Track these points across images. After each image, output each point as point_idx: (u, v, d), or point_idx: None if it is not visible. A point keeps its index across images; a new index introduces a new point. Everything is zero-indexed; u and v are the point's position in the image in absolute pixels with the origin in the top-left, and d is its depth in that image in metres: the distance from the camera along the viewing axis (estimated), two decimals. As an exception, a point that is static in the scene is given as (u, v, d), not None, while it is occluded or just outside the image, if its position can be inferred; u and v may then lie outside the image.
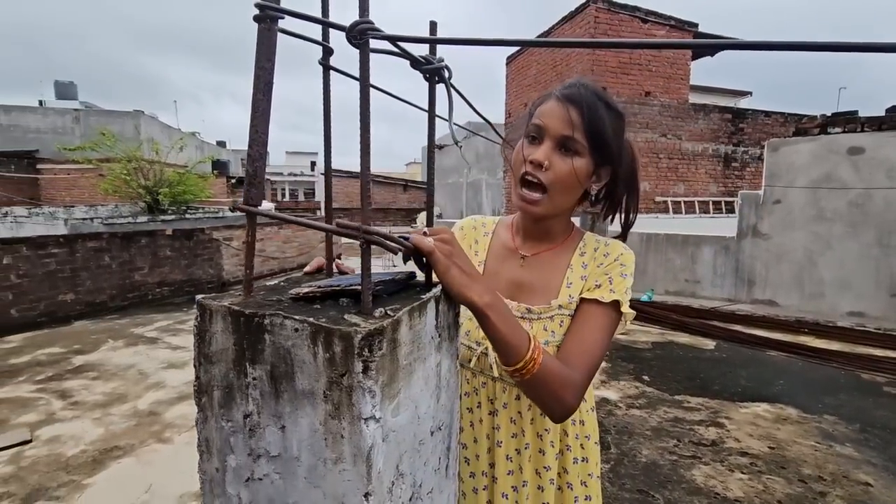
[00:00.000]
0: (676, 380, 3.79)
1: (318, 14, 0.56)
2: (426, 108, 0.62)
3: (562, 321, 0.83)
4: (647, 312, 5.74)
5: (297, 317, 0.46)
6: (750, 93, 20.02)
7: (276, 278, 0.66)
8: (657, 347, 4.64)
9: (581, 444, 0.89)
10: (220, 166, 18.00)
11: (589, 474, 0.90)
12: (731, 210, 11.54)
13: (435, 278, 0.60)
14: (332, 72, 0.63)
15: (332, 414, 0.44)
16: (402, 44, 0.52)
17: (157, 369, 3.91)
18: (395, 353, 0.46)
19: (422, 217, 18.08)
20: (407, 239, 0.57)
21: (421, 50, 0.59)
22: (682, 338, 4.96)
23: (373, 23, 0.45)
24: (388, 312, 0.47)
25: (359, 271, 0.52)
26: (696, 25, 10.87)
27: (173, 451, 2.65)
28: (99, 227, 7.69)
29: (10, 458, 2.56)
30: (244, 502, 0.51)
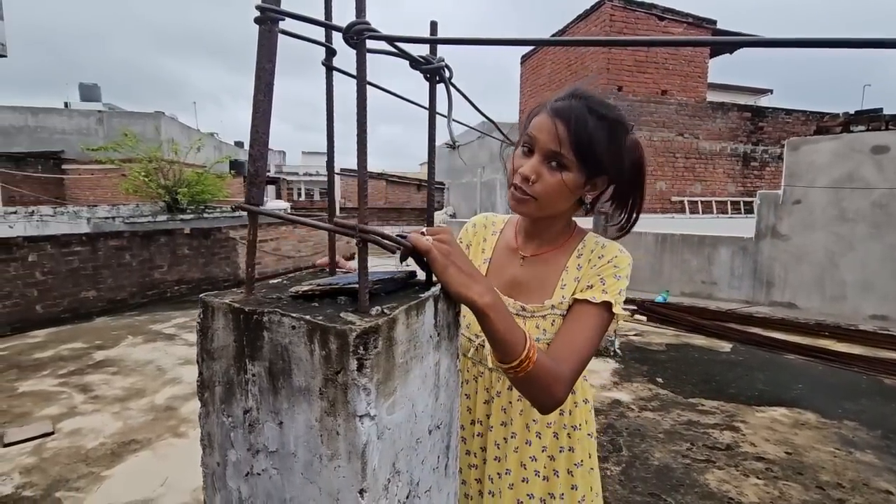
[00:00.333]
0: (691, 382, 3.73)
1: (321, 15, 0.57)
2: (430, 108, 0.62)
3: (553, 320, 0.86)
4: (661, 314, 5.67)
5: (294, 314, 0.46)
6: (770, 90, 19.60)
7: (279, 277, 0.67)
8: (672, 349, 4.58)
9: (567, 434, 0.92)
10: (237, 166, 18.26)
11: (575, 464, 0.92)
12: (749, 210, 11.32)
13: (435, 277, 0.60)
14: (338, 73, 0.64)
15: (328, 411, 0.45)
16: (401, 44, 0.53)
17: (174, 365, 3.99)
18: (390, 352, 0.47)
19: (438, 216, 18.11)
20: (405, 238, 0.57)
21: (423, 50, 0.59)
22: (698, 340, 4.88)
23: (369, 23, 0.46)
24: (385, 311, 0.48)
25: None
26: (714, 22, 10.69)
27: (188, 446, 2.70)
28: (120, 226, 7.87)
29: (34, 449, 2.64)
30: (244, 496, 0.52)
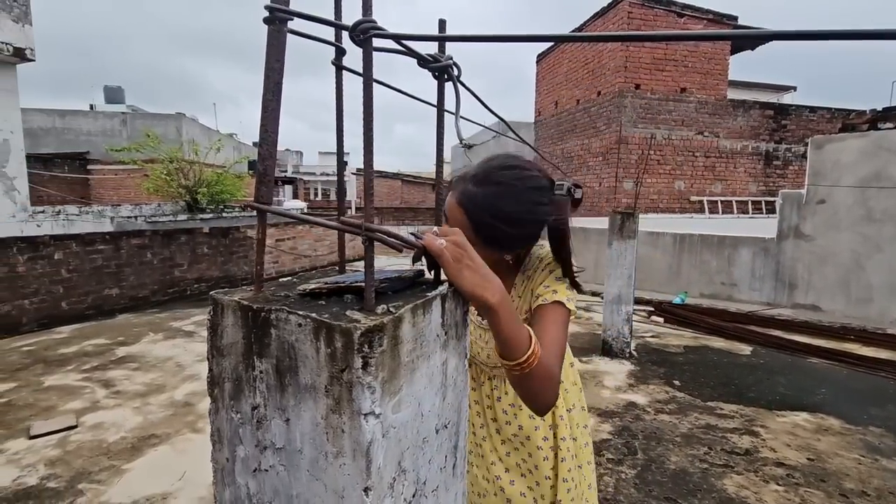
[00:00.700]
0: (709, 385, 3.66)
1: (330, 14, 0.57)
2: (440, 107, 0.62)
3: None
4: (679, 315, 5.58)
5: (300, 312, 0.47)
6: (794, 87, 19.12)
7: (292, 275, 0.67)
8: (690, 351, 4.50)
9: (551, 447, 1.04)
10: (255, 166, 18.54)
11: (538, 447, 1.03)
12: (771, 210, 11.06)
13: (443, 277, 0.60)
14: (351, 72, 0.64)
15: (333, 408, 0.45)
16: (408, 42, 0.53)
17: (193, 362, 4.06)
18: (396, 350, 0.47)
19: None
20: (419, 238, 0.57)
21: (432, 48, 0.59)
22: (717, 342, 4.79)
23: (375, 21, 0.46)
24: (391, 309, 0.48)
25: (378, 269, 0.53)
26: (735, 18, 10.48)
27: (205, 441, 2.75)
28: (142, 225, 8.05)
29: (58, 441, 2.72)
30: (252, 492, 0.53)
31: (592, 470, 1.12)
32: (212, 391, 0.55)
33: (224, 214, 9.45)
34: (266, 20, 0.52)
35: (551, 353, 0.79)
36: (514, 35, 0.50)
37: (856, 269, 5.39)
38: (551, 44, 13.17)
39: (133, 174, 12.90)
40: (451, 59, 0.58)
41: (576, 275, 0.94)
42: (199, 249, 6.79)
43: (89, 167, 15.44)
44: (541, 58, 13.78)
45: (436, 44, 0.59)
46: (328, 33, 0.64)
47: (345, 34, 0.57)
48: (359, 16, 0.48)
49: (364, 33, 0.46)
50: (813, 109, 11.29)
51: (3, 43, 6.97)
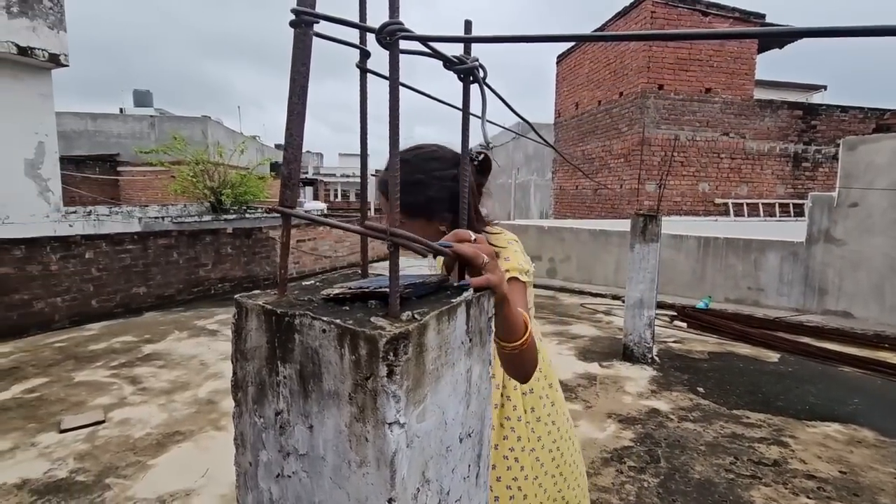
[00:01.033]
0: (735, 393, 3.56)
1: (355, 17, 0.57)
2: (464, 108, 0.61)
3: None
4: (703, 321, 5.45)
5: (324, 318, 0.46)
6: (824, 87, 18.54)
7: (313, 278, 0.67)
8: (714, 358, 4.39)
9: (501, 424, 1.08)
10: (277, 168, 18.87)
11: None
12: (799, 213, 10.74)
13: (464, 280, 0.59)
14: (373, 75, 0.64)
15: (357, 416, 0.44)
16: (434, 44, 0.52)
17: (216, 360, 4.14)
18: (421, 358, 0.46)
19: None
20: (447, 246, 0.57)
21: (457, 50, 0.58)
22: (743, 349, 4.66)
23: (402, 23, 0.45)
24: (416, 316, 0.47)
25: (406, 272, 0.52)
26: (762, 16, 10.22)
27: (228, 439, 2.79)
28: (169, 226, 8.25)
29: (87, 436, 2.80)
30: (274, 497, 0.52)
31: (558, 460, 1.11)
32: (235, 394, 0.55)
33: (247, 215, 9.63)
34: (292, 23, 0.52)
35: None
36: (541, 35, 0.49)
37: (890, 275, 5.18)
38: (572, 44, 13.05)
39: (160, 175, 13.25)
40: (477, 60, 0.57)
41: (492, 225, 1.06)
42: (222, 249, 6.92)
43: (119, 169, 15.92)
44: (561, 59, 13.67)
45: (460, 46, 0.59)
46: (353, 36, 0.64)
47: (370, 37, 0.57)
48: (383, 18, 0.48)
49: (391, 35, 0.45)
50: (844, 109, 10.92)
51: (39, 49, 7.23)
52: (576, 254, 7.86)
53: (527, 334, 0.76)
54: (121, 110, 21.07)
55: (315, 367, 0.47)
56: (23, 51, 7.06)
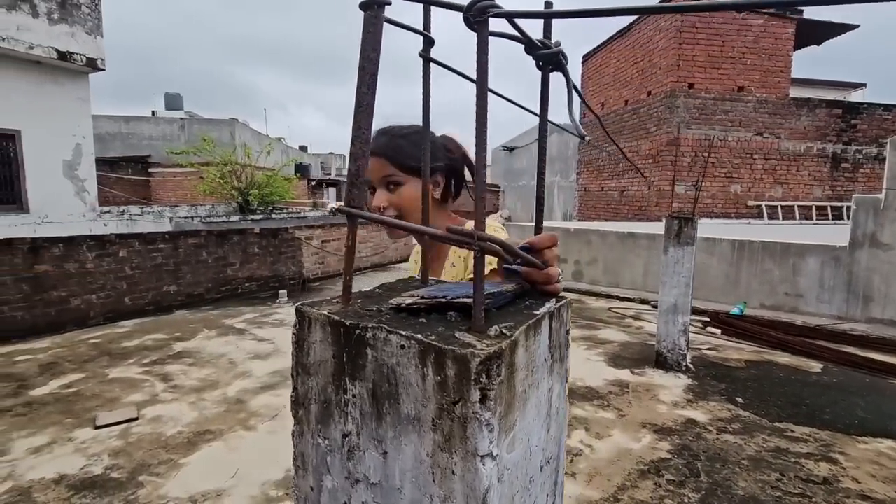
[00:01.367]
0: (777, 405, 3.40)
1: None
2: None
3: None
4: (739, 327, 5.25)
5: (403, 332, 0.41)
6: (864, 84, 17.81)
7: (371, 285, 0.63)
8: (752, 366, 4.21)
9: None
10: (302, 169, 19.12)
11: None
12: (838, 216, 10.31)
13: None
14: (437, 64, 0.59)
15: (442, 446, 0.39)
16: (516, 25, 0.46)
17: (244, 359, 4.17)
18: (512, 380, 0.41)
19: (492, 218, 17.94)
20: (527, 250, 0.52)
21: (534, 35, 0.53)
22: (783, 357, 4.46)
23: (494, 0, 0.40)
24: (504, 331, 0.42)
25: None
26: (800, 11, 9.85)
27: (257, 439, 2.79)
28: (198, 225, 8.41)
29: (121, 433, 2.83)
30: (340, 528, 0.48)
31: None
32: (296, 412, 0.51)
33: (273, 215, 9.75)
34: (362, 5, 0.47)
35: None
36: (653, 7, 0.43)
37: (944, 282, 4.90)
38: (597, 44, 12.85)
39: (189, 176, 13.55)
40: (560, 45, 0.51)
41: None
42: (250, 249, 7.01)
43: (150, 170, 16.36)
44: (587, 58, 13.46)
45: (540, 34, 0.53)
46: (416, 24, 0.59)
47: (435, 24, 0.51)
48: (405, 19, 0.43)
49: (481, 13, 0.40)
50: (888, 108, 10.44)
51: (78, 54, 7.46)
52: (602, 256, 7.69)
53: None
54: (153, 113, 21.67)
55: (391, 386, 0.42)
56: (62, 56, 7.30)
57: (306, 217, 10.38)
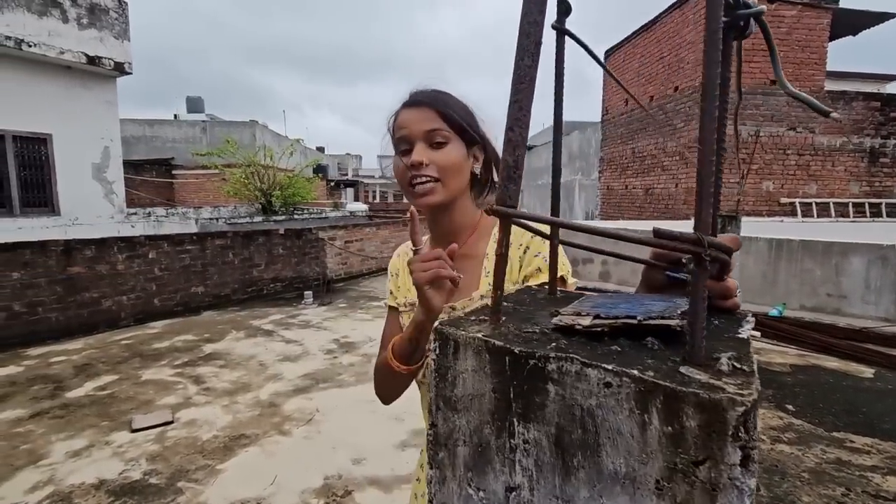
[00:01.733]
0: (831, 413, 3.22)
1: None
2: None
3: None
4: (780, 330, 5.03)
5: (606, 365, 0.32)
6: (900, 76, 17.11)
7: (507, 300, 0.54)
8: (798, 371, 4.02)
9: None
10: (320, 170, 19.22)
11: None
12: (876, 213, 9.90)
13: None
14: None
15: (676, 518, 0.30)
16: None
17: (274, 361, 4.14)
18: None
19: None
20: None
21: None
22: (830, 362, 4.25)
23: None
24: (737, 365, 0.32)
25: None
26: (836, 1, 9.48)
27: (293, 445, 2.74)
28: (223, 227, 8.47)
29: (157, 436, 2.81)
30: None
31: None
32: (434, 453, 0.42)
33: (295, 216, 9.78)
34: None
35: None
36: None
37: None
38: (620, 39, 12.60)
39: (212, 178, 13.72)
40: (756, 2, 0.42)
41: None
42: (274, 250, 7.02)
43: (174, 172, 16.62)
44: (609, 54, 13.21)
45: None
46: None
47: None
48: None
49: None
50: (929, 100, 9.98)
51: (106, 58, 7.57)
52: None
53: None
54: (175, 116, 22.05)
55: (587, 434, 0.33)
56: (91, 60, 7.41)
57: (328, 217, 10.39)
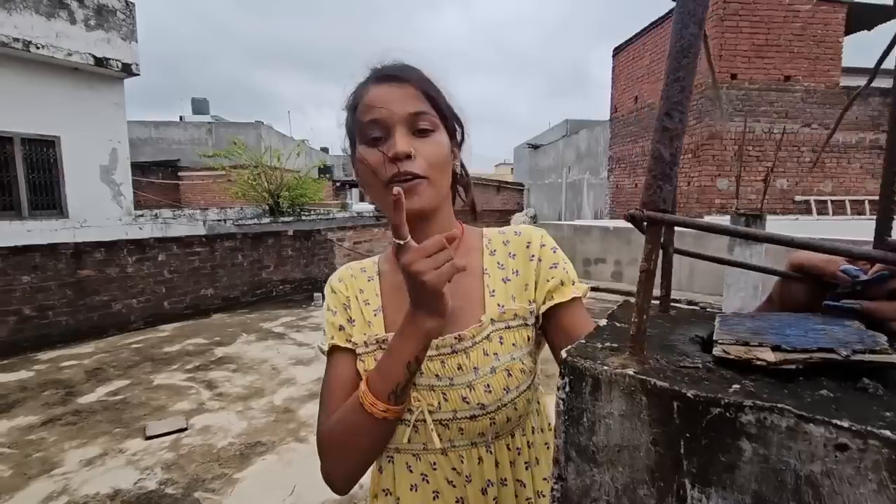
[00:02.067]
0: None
1: None
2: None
3: (501, 337, 0.68)
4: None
5: (838, 421, 0.24)
6: (913, 71, 16.87)
7: (623, 322, 0.46)
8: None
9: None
10: (326, 171, 19.21)
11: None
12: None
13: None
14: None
15: None
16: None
17: (286, 365, 4.08)
18: None
19: (519, 217, 17.73)
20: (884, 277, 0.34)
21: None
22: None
23: None
24: None
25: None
26: (850, -4, 9.33)
27: (310, 452, 2.67)
28: (231, 228, 8.43)
29: (171, 444, 2.75)
30: None
31: None
32: (563, 513, 0.35)
33: (303, 217, 9.74)
34: None
35: None
36: None
37: None
38: (629, 37, 12.48)
39: (218, 179, 13.69)
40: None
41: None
42: (283, 252, 6.97)
43: (180, 173, 16.64)
44: (618, 51, 13.09)
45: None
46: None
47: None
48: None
49: None
50: (946, 95, 9.80)
51: (113, 59, 7.55)
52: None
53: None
54: (180, 118, 22.10)
55: (809, 509, 0.25)
56: (99, 62, 7.38)
57: (335, 218, 10.34)
